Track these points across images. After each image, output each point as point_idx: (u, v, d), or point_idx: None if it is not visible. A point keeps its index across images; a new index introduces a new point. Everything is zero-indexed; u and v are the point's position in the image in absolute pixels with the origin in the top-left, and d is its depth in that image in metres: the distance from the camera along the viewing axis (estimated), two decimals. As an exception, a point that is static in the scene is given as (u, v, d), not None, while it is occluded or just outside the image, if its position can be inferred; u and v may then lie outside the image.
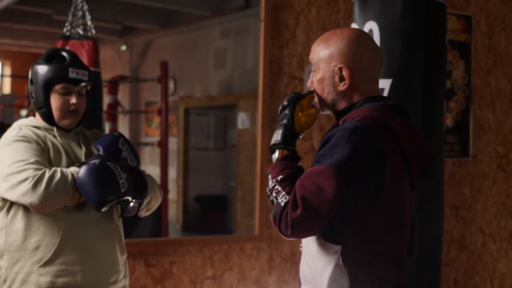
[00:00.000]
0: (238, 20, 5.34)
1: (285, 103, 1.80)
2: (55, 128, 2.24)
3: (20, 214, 2.14)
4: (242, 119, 5.27)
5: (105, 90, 5.23)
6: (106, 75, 5.39)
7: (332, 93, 1.76)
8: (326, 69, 1.75)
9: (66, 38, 3.33)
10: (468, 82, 4.34)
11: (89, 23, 3.48)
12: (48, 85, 2.19)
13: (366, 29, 2.52)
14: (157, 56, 5.91)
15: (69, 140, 2.26)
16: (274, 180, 1.67)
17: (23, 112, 4.84)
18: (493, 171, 4.48)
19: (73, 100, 2.21)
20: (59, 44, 3.30)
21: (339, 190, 1.56)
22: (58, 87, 2.20)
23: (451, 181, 4.29)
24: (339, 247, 1.65)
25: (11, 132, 2.20)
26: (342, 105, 1.77)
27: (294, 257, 3.77)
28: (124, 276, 2.33)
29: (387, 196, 1.65)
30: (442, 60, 2.59)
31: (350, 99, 1.76)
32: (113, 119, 5.55)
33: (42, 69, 2.20)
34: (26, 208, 2.12)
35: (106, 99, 5.36)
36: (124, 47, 6.16)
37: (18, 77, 5.01)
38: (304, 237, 1.70)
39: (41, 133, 2.21)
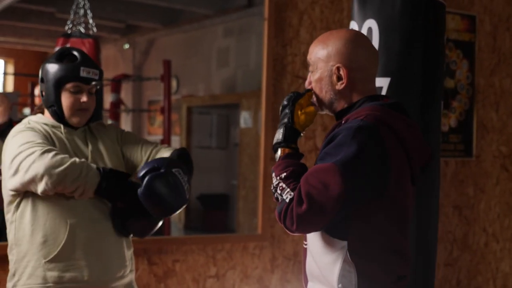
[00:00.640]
0: (242, 19, 5.34)
1: (285, 102, 1.84)
2: (62, 126, 2.25)
3: (28, 209, 2.16)
4: (244, 118, 5.27)
5: (108, 89, 5.25)
6: (109, 74, 5.40)
7: (330, 92, 1.80)
8: (324, 68, 1.79)
9: (67, 36, 3.34)
10: (471, 82, 4.34)
11: (90, 21, 3.49)
12: (59, 84, 2.20)
13: (365, 27, 2.53)
14: (160, 55, 5.90)
15: (76, 138, 2.27)
16: (278, 177, 1.71)
17: (26, 110, 4.85)
18: (496, 171, 4.48)
19: (84, 98, 2.23)
20: (60, 42, 3.31)
21: (344, 187, 1.60)
22: (69, 85, 2.21)
23: (454, 181, 4.28)
24: (345, 243, 1.68)
25: (20, 126, 2.23)
26: (340, 104, 1.81)
27: (297, 256, 3.77)
28: (131, 271, 2.35)
29: (391, 192, 1.69)
30: (440, 58, 2.59)
31: (348, 98, 1.80)
32: (116, 118, 5.56)
33: (53, 67, 2.21)
34: (34, 203, 2.14)
35: (109, 98, 5.37)
36: (127, 46, 6.16)
37: (21, 75, 5.02)
38: (309, 232, 1.75)
39: (48, 129, 2.23)
